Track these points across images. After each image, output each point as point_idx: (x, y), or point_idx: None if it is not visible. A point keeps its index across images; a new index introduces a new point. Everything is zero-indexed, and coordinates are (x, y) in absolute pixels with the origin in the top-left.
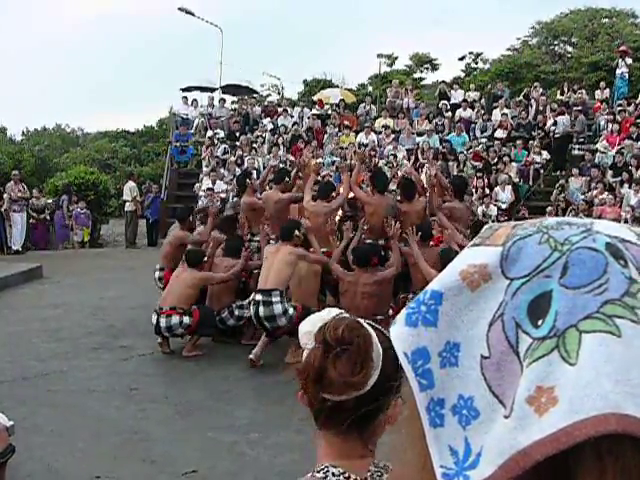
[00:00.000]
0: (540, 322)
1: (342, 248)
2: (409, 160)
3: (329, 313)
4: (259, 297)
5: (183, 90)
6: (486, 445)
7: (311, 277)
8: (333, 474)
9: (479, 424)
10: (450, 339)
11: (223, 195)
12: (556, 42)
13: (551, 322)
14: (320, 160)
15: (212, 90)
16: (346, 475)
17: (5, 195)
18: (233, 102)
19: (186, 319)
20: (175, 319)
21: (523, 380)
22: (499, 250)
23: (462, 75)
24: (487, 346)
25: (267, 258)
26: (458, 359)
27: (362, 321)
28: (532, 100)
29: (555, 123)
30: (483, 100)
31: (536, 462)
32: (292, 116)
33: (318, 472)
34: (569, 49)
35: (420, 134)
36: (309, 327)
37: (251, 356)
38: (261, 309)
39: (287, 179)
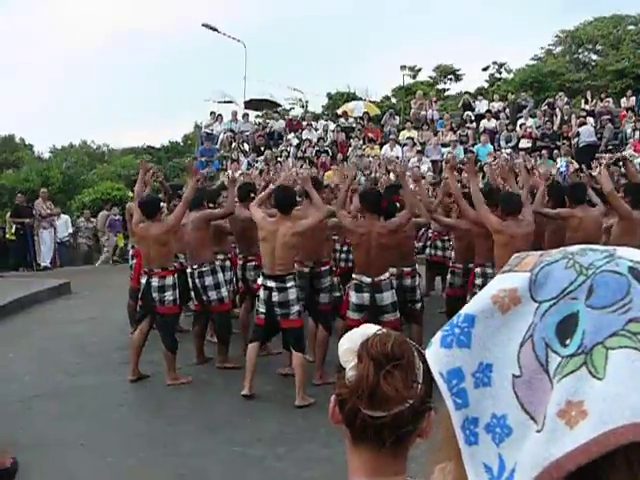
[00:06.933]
0: (568, 341)
1: (346, 188)
2: (434, 172)
3: (368, 328)
4: (272, 284)
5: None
6: (520, 461)
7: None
8: None
9: (512, 441)
10: (483, 360)
11: None
12: (580, 50)
13: (579, 340)
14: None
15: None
16: None
17: (34, 212)
18: (257, 116)
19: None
20: (168, 280)
21: (554, 395)
22: (527, 275)
23: (486, 85)
24: (518, 366)
25: (266, 238)
26: (491, 379)
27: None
28: (557, 109)
29: (578, 134)
30: (507, 110)
31: (568, 473)
32: (316, 130)
33: None
34: (594, 57)
35: (445, 145)
36: (349, 344)
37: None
38: (274, 294)
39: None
